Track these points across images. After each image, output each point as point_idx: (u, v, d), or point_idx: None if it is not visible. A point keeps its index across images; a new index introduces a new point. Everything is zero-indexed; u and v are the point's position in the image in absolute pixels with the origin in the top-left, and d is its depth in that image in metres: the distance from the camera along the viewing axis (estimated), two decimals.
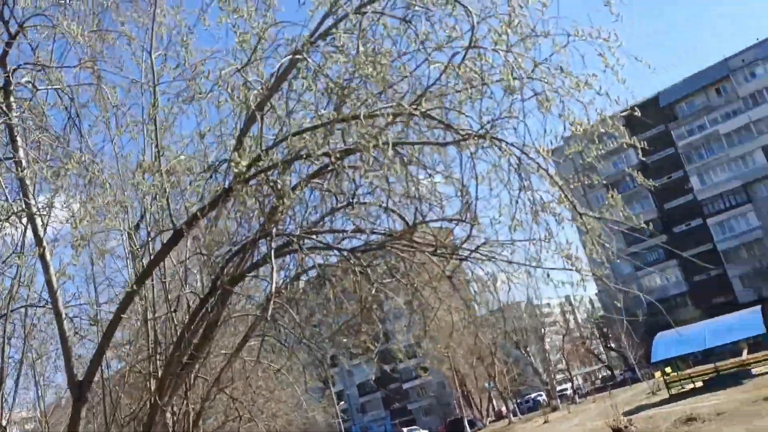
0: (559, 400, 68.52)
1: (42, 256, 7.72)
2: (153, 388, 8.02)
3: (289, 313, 7.76)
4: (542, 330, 78.67)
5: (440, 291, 7.87)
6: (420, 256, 7.34)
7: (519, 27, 5.60)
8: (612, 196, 6.06)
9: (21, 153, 7.93)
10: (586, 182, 6.97)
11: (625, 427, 28.40)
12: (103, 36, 7.85)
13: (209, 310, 7.33)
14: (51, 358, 10.57)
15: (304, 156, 5.80)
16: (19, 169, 7.70)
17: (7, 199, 7.92)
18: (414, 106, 5.80)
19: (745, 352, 38.82)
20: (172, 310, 8.24)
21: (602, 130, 6.00)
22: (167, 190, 6.55)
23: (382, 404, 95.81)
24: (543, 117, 5.85)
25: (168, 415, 8.49)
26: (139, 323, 9.18)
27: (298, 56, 5.68)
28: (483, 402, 73.50)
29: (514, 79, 5.60)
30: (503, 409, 69.84)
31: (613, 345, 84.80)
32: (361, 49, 5.49)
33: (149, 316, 8.51)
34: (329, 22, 5.95)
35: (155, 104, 7.01)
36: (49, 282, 7.59)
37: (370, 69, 5.52)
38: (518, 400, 76.35)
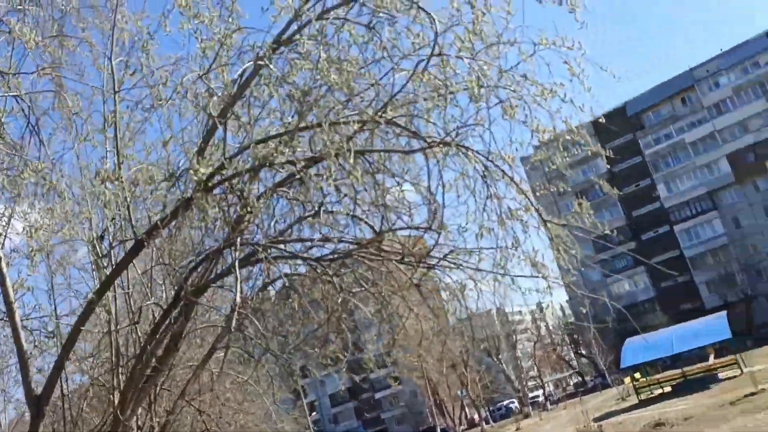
0: (531, 407, 69.08)
1: None
2: (116, 402, 7.82)
3: (254, 324, 7.63)
4: (514, 337, 79.27)
5: (409, 300, 7.82)
6: (388, 265, 7.28)
7: (483, 35, 5.59)
8: (579, 204, 6.07)
9: None
10: (556, 190, 7.01)
11: None
12: (63, 42, 7.66)
13: (173, 321, 7.16)
14: (12, 372, 10.30)
15: (268, 164, 5.70)
16: None
17: None
18: (379, 114, 5.76)
19: (711, 357, 39.54)
20: (135, 321, 8.04)
21: (568, 138, 6.03)
22: (128, 199, 6.40)
23: (354, 414, 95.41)
24: (509, 125, 5.86)
25: (133, 429, 8.29)
26: (101, 335, 8.97)
27: (260, 62, 5.60)
28: (456, 410, 73.56)
29: (480, 87, 5.59)
30: (476, 417, 69.98)
31: (583, 351, 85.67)
32: (323, 55, 5.42)
33: (112, 327, 8.30)
34: (294, 27, 5.88)
35: (115, 111, 6.86)
36: (5, 294, 7.36)
37: (334, 76, 5.47)
38: (491, 408, 76.79)
